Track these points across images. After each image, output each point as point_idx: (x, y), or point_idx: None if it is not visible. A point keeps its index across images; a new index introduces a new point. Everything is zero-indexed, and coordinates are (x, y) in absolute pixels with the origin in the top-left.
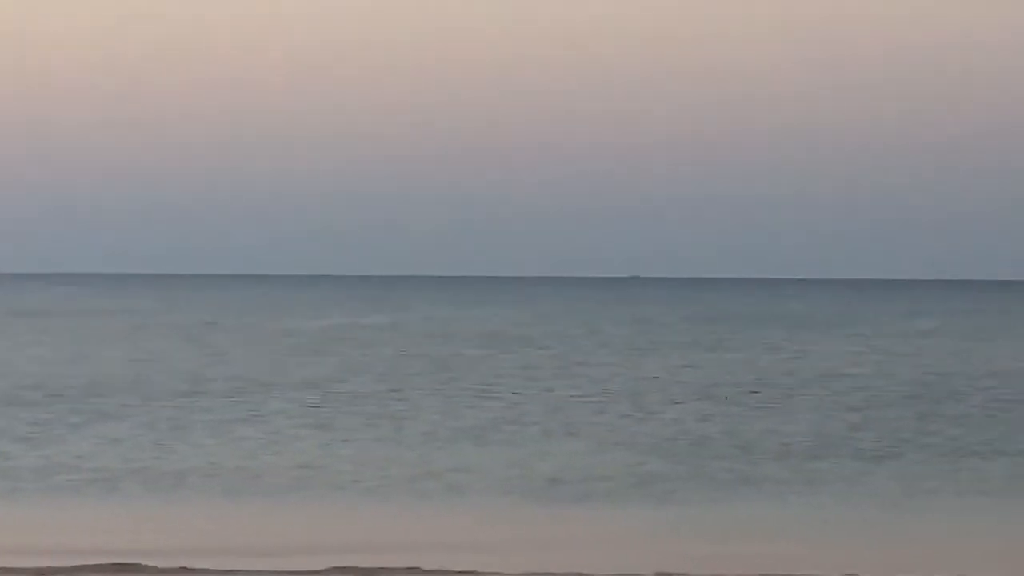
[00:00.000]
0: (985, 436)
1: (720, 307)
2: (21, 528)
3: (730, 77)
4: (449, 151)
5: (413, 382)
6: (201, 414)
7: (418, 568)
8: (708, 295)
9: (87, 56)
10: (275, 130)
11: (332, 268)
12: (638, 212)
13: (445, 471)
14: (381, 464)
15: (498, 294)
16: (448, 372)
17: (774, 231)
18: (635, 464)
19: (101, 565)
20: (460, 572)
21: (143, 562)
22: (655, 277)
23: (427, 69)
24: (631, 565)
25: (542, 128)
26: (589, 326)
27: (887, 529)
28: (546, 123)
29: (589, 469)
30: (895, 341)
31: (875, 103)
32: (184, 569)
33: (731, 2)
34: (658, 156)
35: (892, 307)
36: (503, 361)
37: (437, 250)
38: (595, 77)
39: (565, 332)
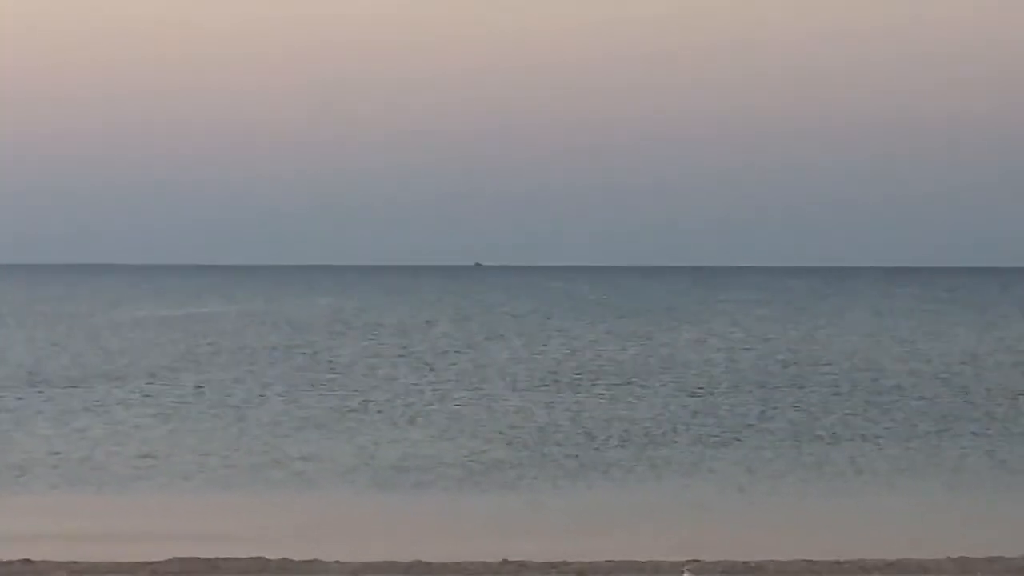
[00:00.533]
0: (825, 421)
1: (566, 294)
2: None
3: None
4: (297, 140)
5: (256, 371)
6: (42, 404)
7: (262, 557)
8: (552, 283)
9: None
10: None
11: (174, 258)
12: (480, 201)
13: (289, 460)
14: (225, 453)
15: (344, 282)
16: (291, 360)
17: (621, 218)
18: (479, 452)
19: None
20: (303, 561)
21: None
22: (498, 265)
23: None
24: (477, 553)
25: (391, 119)
26: (433, 314)
27: (728, 512)
28: (393, 113)
29: (434, 457)
30: (737, 328)
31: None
32: (26, 560)
33: None
34: (498, 146)
35: (737, 294)
36: (347, 349)
37: (287, 238)
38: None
39: (408, 320)
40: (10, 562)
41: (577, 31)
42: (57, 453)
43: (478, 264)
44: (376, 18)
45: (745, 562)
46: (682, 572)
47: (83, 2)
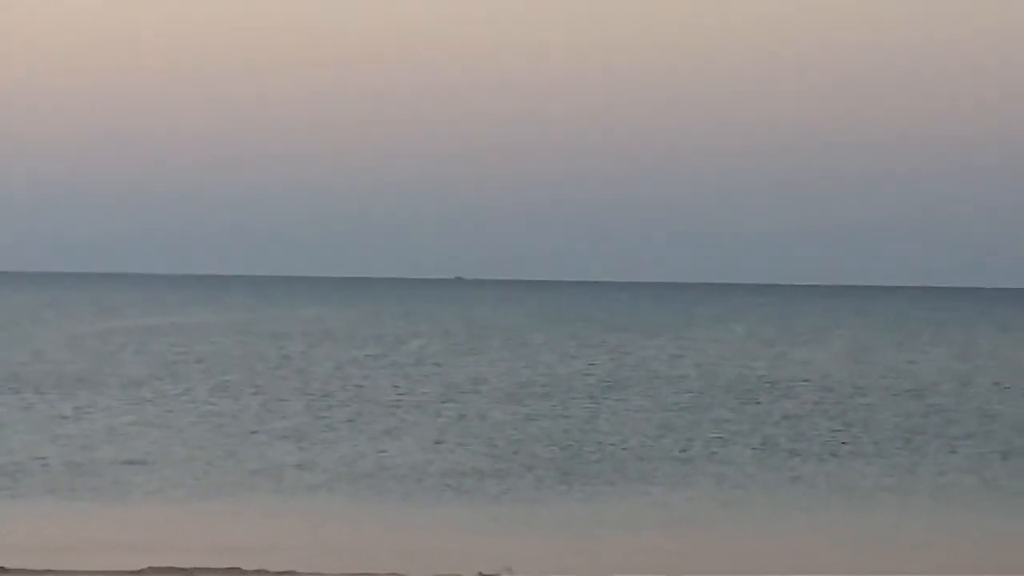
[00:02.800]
0: (803, 438)
1: (546, 308)
2: None
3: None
4: (280, 152)
5: (237, 380)
6: (24, 410)
7: (238, 568)
8: (533, 296)
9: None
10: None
11: (159, 267)
12: (461, 215)
13: (268, 470)
14: (204, 462)
15: (326, 294)
16: (272, 371)
17: (602, 234)
18: (458, 464)
19: None
20: (279, 573)
21: None
22: (479, 279)
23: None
24: (453, 566)
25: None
26: (413, 326)
27: (705, 528)
28: (378, 125)
29: (413, 468)
30: (715, 343)
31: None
32: (1, 569)
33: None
34: (485, 160)
35: (716, 309)
36: (327, 360)
37: (270, 250)
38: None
39: (389, 332)
40: None
41: (560, 47)
42: (40, 458)
43: (459, 278)
44: (361, 31)
45: None
46: None
47: (91, 9)
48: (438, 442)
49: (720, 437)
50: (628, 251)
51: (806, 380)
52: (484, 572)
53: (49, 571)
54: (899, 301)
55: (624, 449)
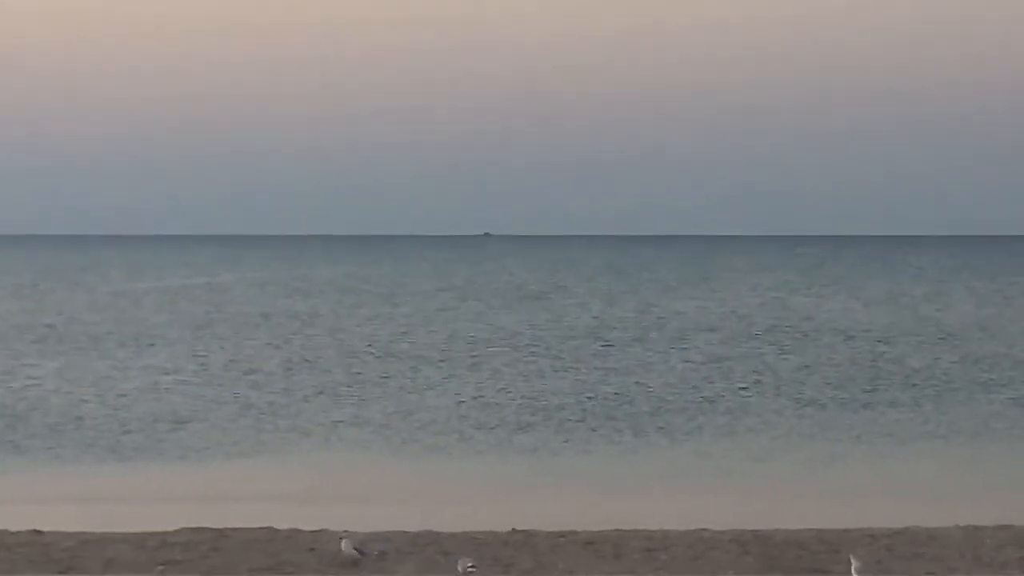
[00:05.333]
0: (833, 388)
1: (575, 263)
2: None
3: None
4: (309, 116)
5: (270, 339)
6: (60, 370)
7: (271, 527)
8: (561, 252)
9: None
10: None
11: (194, 228)
12: (489, 172)
13: (301, 428)
14: (236, 421)
15: (355, 253)
16: (306, 329)
17: (629, 188)
18: (490, 419)
19: None
20: (312, 532)
21: None
22: (507, 235)
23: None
24: (485, 522)
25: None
26: (443, 282)
27: (736, 480)
28: (397, 86)
29: (444, 425)
30: (747, 294)
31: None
32: (35, 531)
33: None
34: (508, 118)
35: (747, 261)
36: (358, 318)
37: (300, 210)
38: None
39: (419, 288)
40: (18, 532)
41: (579, 8)
42: (78, 418)
43: (487, 234)
44: None
45: (754, 531)
46: (340, 539)
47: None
48: (473, 397)
49: (755, 384)
50: (656, 205)
51: (839, 329)
52: (517, 527)
53: (83, 532)
54: (932, 249)
55: (658, 401)
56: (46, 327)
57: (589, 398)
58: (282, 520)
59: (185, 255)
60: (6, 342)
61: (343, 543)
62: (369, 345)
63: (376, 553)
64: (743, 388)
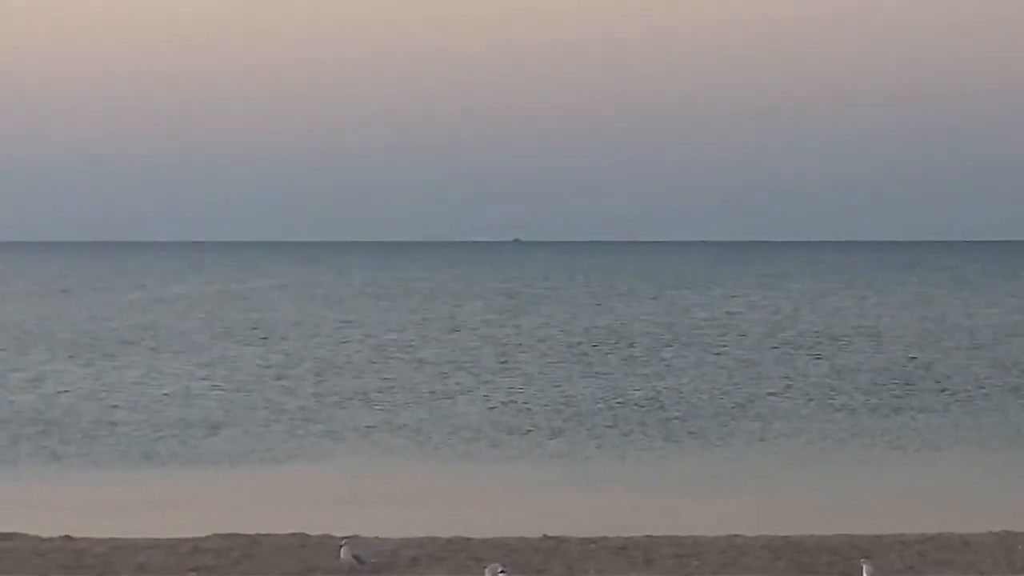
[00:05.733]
0: (864, 393)
1: (603, 269)
2: None
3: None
4: (342, 119)
5: (299, 346)
6: (93, 377)
7: (303, 533)
8: (590, 258)
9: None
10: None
11: (226, 235)
12: (519, 178)
13: (333, 433)
14: (268, 427)
15: (387, 258)
16: (336, 335)
17: (660, 194)
18: (521, 425)
19: None
20: (344, 537)
21: (23, 531)
22: (537, 241)
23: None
24: (517, 528)
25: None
26: (473, 288)
27: (767, 486)
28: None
29: (476, 431)
30: (775, 299)
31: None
32: (67, 537)
33: None
34: (540, 125)
35: (775, 267)
36: (391, 322)
37: (331, 216)
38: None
39: (449, 293)
40: (51, 538)
41: (612, 11)
42: (112, 423)
43: (517, 240)
44: None
45: (785, 537)
46: (341, 545)
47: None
48: (504, 402)
49: (786, 389)
50: (687, 211)
51: (866, 335)
52: (549, 534)
53: (114, 539)
54: (961, 255)
55: (689, 406)
56: (76, 333)
57: (620, 403)
58: (314, 526)
59: (212, 261)
60: (37, 348)
61: (342, 550)
62: (399, 350)
63: (373, 561)
64: (773, 393)
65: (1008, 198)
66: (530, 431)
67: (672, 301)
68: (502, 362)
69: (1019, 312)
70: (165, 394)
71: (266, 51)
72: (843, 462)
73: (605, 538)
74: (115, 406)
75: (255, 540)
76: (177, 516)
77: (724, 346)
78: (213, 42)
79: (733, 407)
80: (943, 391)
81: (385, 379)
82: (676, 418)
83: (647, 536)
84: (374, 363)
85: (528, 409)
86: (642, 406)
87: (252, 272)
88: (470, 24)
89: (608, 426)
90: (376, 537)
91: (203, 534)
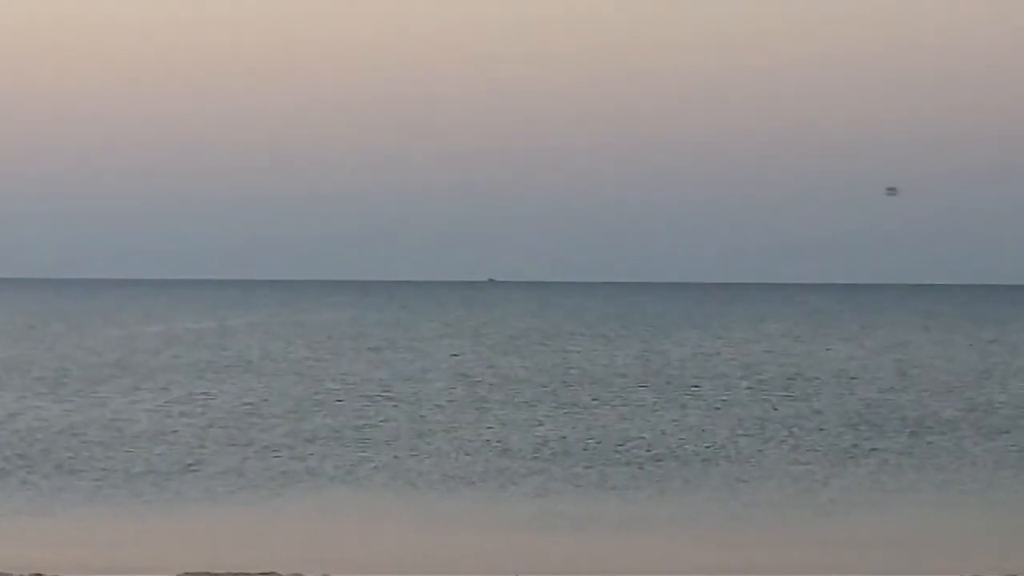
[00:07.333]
0: (836, 436)
1: (577, 310)
2: None
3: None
4: (312, 157)
5: (277, 384)
6: (67, 412)
7: (275, 572)
8: (565, 299)
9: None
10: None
11: (196, 272)
12: (493, 217)
13: (305, 472)
14: (241, 463)
15: (358, 297)
16: (308, 373)
17: (633, 236)
18: (493, 465)
19: None
20: None
21: None
22: (511, 281)
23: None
24: (489, 567)
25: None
26: (446, 328)
27: (736, 528)
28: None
29: (446, 472)
30: (750, 342)
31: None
32: (37, 575)
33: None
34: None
35: (749, 309)
36: (361, 363)
37: (302, 254)
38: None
39: (421, 334)
40: (22, 575)
41: (590, 52)
42: (88, 459)
43: (491, 280)
44: (389, 36)
45: None
46: None
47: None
48: (478, 442)
49: (757, 437)
50: (661, 252)
51: (843, 378)
52: (521, 574)
53: (86, 575)
54: (934, 299)
55: (663, 447)
56: (52, 370)
57: (596, 443)
58: (286, 565)
59: (189, 299)
60: (13, 384)
61: None
62: (375, 388)
63: None
64: (748, 434)
65: (983, 243)
66: (506, 471)
67: (648, 341)
68: (476, 405)
69: (995, 355)
70: (141, 431)
71: (232, 91)
72: (814, 505)
73: None
74: (90, 442)
75: None
76: (150, 553)
77: (698, 387)
78: (190, 84)
79: (708, 448)
80: (916, 433)
81: (360, 418)
82: (651, 458)
83: None
84: (349, 402)
85: (504, 449)
86: (619, 446)
87: (228, 311)
88: (448, 65)
89: (585, 467)
90: None
91: (175, 573)
